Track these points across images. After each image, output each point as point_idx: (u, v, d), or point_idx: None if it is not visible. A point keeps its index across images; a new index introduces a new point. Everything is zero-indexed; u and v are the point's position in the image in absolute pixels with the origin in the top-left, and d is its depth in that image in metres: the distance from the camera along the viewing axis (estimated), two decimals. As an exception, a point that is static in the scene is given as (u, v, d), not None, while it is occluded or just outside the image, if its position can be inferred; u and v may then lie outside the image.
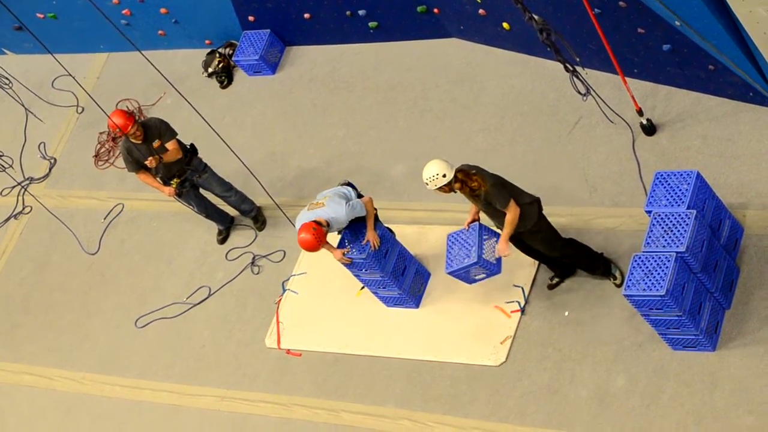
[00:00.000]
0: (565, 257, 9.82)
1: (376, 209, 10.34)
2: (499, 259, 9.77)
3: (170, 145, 11.20)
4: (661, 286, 8.84)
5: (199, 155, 11.46)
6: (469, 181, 9.33)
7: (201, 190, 11.66)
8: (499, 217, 9.54)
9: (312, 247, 9.92)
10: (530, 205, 9.47)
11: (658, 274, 8.90)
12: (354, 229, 10.22)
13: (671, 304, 8.93)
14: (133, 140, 11.13)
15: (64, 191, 13.46)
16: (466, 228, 9.76)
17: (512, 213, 9.36)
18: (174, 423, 11.23)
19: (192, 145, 11.45)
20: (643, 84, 10.78)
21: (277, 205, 11.05)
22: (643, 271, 8.96)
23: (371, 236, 10.10)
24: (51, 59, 14.55)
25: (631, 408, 9.39)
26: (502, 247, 9.53)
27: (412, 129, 11.87)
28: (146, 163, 11.17)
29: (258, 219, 11.94)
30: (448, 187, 9.37)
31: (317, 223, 9.91)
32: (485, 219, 9.81)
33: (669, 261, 8.91)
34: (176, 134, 11.28)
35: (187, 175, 11.42)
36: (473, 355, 10.19)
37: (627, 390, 9.46)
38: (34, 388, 12.13)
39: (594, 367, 9.68)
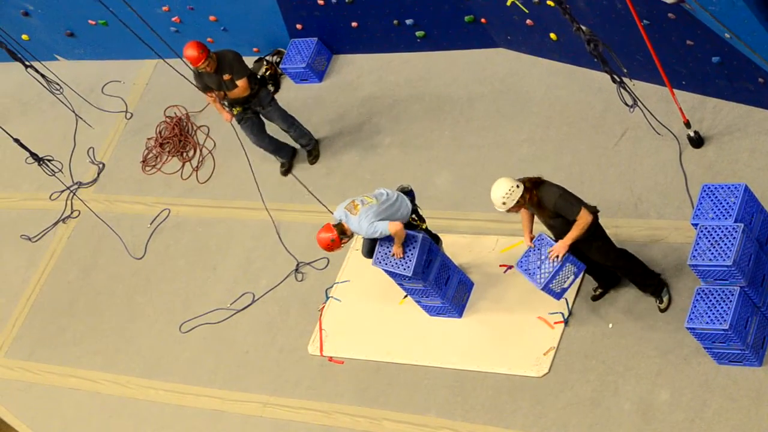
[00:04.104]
0: (618, 268, 9.73)
1: (424, 219, 10.35)
2: (564, 290, 9.68)
3: (240, 83, 11.49)
4: (725, 320, 8.87)
5: (269, 87, 11.66)
6: (536, 190, 9.16)
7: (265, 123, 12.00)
8: (562, 229, 9.39)
9: (324, 249, 10.24)
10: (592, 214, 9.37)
11: (721, 308, 8.91)
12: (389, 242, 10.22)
13: (733, 337, 8.93)
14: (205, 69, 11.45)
15: (112, 196, 13.59)
16: (531, 245, 9.61)
17: (584, 219, 9.20)
18: (216, 428, 11.28)
19: (262, 77, 11.80)
20: (691, 96, 10.70)
21: (325, 206, 11.09)
22: (706, 304, 8.95)
23: (396, 249, 10.10)
24: (101, 65, 14.76)
25: (674, 422, 9.31)
26: (560, 249, 9.30)
27: (458, 138, 11.87)
28: (208, 98, 11.50)
29: (312, 153, 12.28)
30: (522, 200, 9.18)
31: (341, 231, 10.08)
32: (539, 229, 9.77)
33: (732, 295, 8.91)
34: (248, 72, 11.56)
35: (250, 104, 11.70)
36: (516, 365, 10.15)
37: (671, 404, 9.39)
38: (78, 391, 12.24)
39: (638, 380, 9.62)
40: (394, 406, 10.49)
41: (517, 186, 9.16)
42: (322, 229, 10.15)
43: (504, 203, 9.20)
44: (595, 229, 9.45)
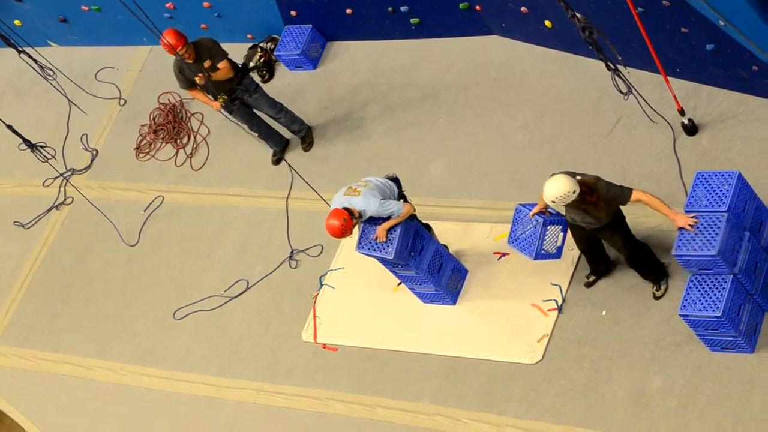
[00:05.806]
0: (632, 257, 9.67)
1: (414, 207, 10.35)
2: (560, 248, 9.72)
3: (221, 65, 11.58)
4: (718, 308, 8.86)
5: (251, 75, 11.74)
6: (590, 190, 9.00)
7: (255, 111, 12.01)
8: (606, 231, 9.35)
9: (337, 235, 9.99)
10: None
11: (714, 295, 8.89)
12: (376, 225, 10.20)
13: (727, 325, 8.93)
14: (184, 60, 11.47)
15: (106, 183, 13.57)
16: (530, 216, 9.63)
17: (639, 195, 9.02)
18: (210, 415, 11.30)
19: (244, 65, 11.92)
20: (685, 84, 10.71)
21: (318, 193, 11.08)
22: (699, 291, 8.93)
23: (381, 231, 10.04)
24: (94, 51, 14.73)
25: (667, 408, 9.34)
26: (683, 220, 8.94)
27: (452, 126, 11.87)
28: (195, 79, 11.51)
29: (305, 140, 12.29)
30: (575, 203, 9.07)
31: (349, 212, 9.96)
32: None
33: (725, 283, 8.90)
34: (227, 54, 11.65)
35: (237, 93, 11.76)
36: (509, 352, 10.17)
37: (664, 390, 9.42)
38: (73, 378, 12.25)
39: (631, 366, 9.64)
40: (388, 393, 10.51)
41: (574, 191, 8.97)
42: (332, 215, 9.95)
43: (554, 202, 9.05)
44: (621, 217, 9.43)
